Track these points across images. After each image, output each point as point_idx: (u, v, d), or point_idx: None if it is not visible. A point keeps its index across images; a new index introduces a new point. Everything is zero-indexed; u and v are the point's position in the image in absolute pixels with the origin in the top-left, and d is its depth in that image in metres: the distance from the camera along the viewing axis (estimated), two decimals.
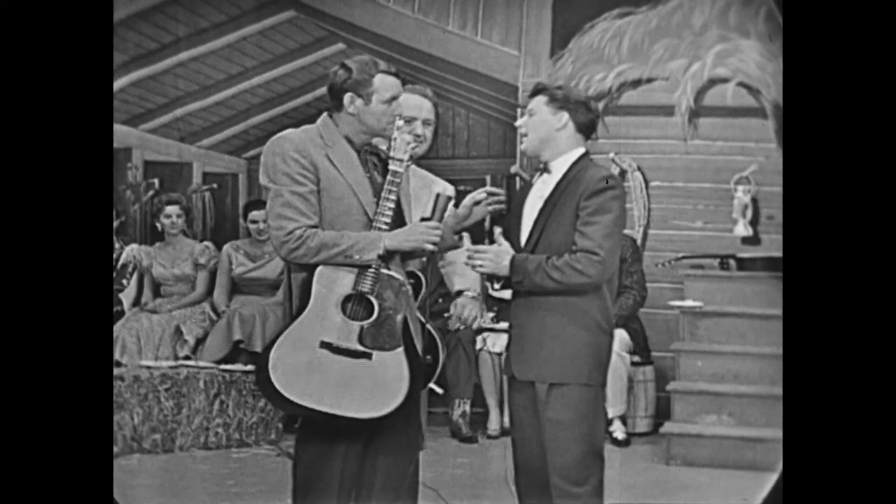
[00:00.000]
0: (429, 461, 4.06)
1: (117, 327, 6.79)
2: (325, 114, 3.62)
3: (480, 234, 3.79)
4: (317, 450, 3.56)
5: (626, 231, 6.08)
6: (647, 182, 7.12)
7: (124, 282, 7.09)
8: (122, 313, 7.01)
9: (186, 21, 7.74)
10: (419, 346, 3.55)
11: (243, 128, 8.28)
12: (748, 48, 6.93)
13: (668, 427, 6.07)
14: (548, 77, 6.97)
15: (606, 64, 7.14)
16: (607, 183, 3.49)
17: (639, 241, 6.99)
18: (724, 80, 6.98)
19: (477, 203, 3.67)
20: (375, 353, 3.45)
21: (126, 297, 7.11)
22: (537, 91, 3.62)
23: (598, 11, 7.16)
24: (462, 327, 4.04)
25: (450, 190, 3.94)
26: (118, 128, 7.45)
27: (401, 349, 3.47)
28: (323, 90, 3.95)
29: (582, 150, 3.60)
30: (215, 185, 8.18)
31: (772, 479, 3.41)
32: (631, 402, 6.56)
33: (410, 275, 3.58)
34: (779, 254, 5.37)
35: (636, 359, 6.61)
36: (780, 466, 3.17)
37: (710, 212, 7.07)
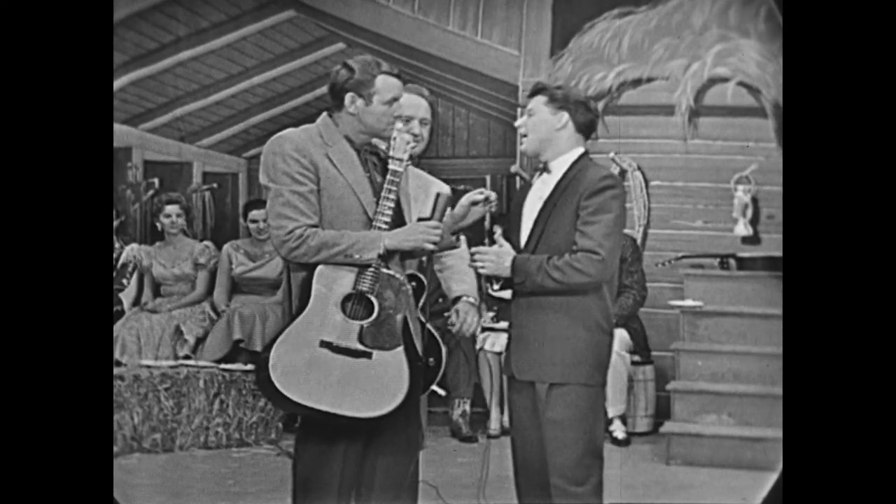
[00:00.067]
0: (429, 461, 4.06)
1: (117, 327, 6.78)
2: (325, 113, 3.62)
3: (480, 235, 3.78)
4: (317, 449, 3.55)
5: (627, 231, 6.07)
6: (647, 182, 7.12)
7: (124, 281, 7.08)
8: (122, 313, 7.00)
9: (186, 21, 7.73)
10: (419, 346, 3.55)
11: (243, 127, 8.28)
12: (748, 48, 6.93)
13: (668, 427, 6.06)
14: (548, 77, 6.97)
15: (606, 64, 7.13)
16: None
17: (639, 241, 6.98)
18: (724, 80, 6.97)
19: (475, 203, 3.67)
20: (375, 353, 3.45)
21: (126, 296, 7.10)
22: (537, 91, 3.61)
23: (598, 11, 7.15)
24: (465, 335, 4.03)
25: (447, 190, 3.94)
26: (118, 127, 7.44)
27: (401, 348, 3.47)
28: (323, 90, 3.96)
29: (582, 150, 3.59)
30: (215, 185, 8.17)
31: (772, 478, 3.41)
32: (631, 402, 6.56)
33: (412, 277, 3.58)
34: (779, 253, 5.37)
35: (636, 358, 6.60)
36: (779, 466, 3.17)
37: (710, 211, 7.06)
